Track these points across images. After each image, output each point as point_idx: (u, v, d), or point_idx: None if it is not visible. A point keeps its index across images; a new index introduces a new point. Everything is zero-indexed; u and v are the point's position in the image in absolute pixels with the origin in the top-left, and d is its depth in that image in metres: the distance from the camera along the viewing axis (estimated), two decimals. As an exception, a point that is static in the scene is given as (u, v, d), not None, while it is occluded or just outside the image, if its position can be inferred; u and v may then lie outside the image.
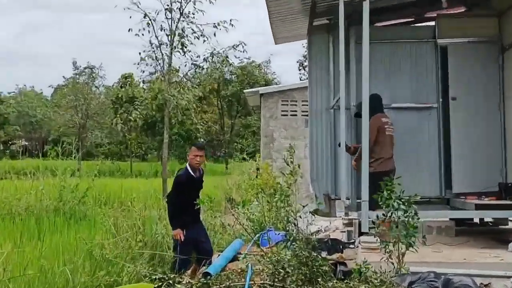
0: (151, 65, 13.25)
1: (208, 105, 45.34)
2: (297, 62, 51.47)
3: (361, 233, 8.13)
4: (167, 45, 12.89)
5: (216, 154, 52.34)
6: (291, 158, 6.68)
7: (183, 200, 7.46)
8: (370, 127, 8.03)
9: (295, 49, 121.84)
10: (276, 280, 5.75)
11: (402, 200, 6.01)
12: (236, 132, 47.53)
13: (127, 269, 5.53)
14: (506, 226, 10.39)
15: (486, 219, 10.60)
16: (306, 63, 50.10)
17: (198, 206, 7.11)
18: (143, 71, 16.14)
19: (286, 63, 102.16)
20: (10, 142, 65.87)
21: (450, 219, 9.19)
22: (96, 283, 5.06)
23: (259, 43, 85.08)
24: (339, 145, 8.74)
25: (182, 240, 7.40)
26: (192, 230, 7.64)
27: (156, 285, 5.11)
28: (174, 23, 12.84)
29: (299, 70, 50.92)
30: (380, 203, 6.17)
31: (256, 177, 12.39)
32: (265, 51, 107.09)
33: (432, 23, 9.90)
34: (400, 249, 6.10)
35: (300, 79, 48.39)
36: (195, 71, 16.77)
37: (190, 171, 7.69)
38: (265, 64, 48.03)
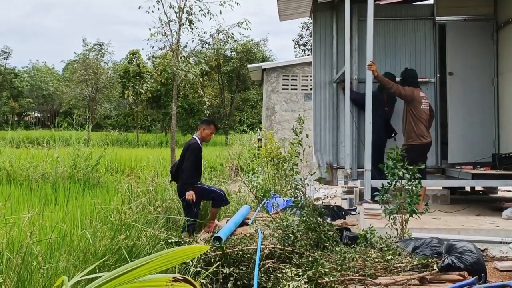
0: (160, 41, 12.93)
1: (209, 80, 44.87)
2: (293, 40, 50.95)
3: (361, 201, 7.99)
4: (175, 22, 12.53)
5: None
6: (300, 128, 6.49)
7: (198, 165, 7.84)
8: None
9: (290, 28, 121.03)
10: (286, 244, 5.62)
11: (408, 169, 5.85)
12: (235, 105, 47.23)
13: (146, 233, 5.36)
14: (496, 195, 10.29)
15: (477, 188, 10.48)
16: (301, 41, 49.71)
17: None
18: (153, 47, 16.06)
19: (281, 42, 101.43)
20: (24, 114, 65.50)
21: (444, 188, 9.05)
22: (116, 246, 4.88)
23: (253, 24, 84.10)
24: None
25: (194, 200, 7.47)
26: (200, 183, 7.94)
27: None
28: (182, 0, 12.46)
29: (295, 48, 50.44)
30: (386, 172, 6.00)
31: (259, 148, 12.17)
32: (260, 31, 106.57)
33: (431, 1, 9.66)
34: (403, 216, 5.96)
35: (296, 57, 47.92)
36: (202, 47, 16.49)
37: (199, 142, 7.91)
38: (263, 42, 47.34)
